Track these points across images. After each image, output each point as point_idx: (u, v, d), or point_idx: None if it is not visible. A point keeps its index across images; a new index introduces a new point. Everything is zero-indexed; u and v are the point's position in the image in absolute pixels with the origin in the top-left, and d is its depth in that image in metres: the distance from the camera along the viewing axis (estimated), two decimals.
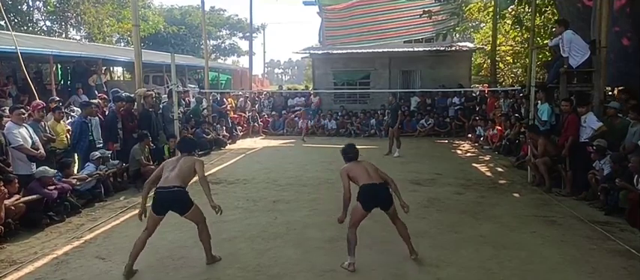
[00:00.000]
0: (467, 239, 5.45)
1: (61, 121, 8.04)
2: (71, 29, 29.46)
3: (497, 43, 18.92)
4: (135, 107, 9.23)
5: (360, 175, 4.61)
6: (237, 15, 46.83)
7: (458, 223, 6.10)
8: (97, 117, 8.21)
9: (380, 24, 14.58)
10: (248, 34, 31.51)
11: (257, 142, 14.93)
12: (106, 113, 9.02)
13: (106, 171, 7.67)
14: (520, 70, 21.79)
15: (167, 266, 4.71)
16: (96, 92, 13.75)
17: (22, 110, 6.68)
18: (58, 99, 9.46)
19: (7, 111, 7.00)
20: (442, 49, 18.44)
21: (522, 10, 15.28)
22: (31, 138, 6.54)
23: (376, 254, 4.98)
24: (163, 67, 20.77)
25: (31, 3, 27.49)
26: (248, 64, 26.57)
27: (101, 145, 8.04)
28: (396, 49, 18.41)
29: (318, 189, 8.04)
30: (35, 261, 4.85)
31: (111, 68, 24.45)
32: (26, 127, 6.57)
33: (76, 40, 27.41)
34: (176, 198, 4.45)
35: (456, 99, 16.86)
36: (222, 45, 44.44)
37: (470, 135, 14.92)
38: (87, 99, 10.54)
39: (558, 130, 8.42)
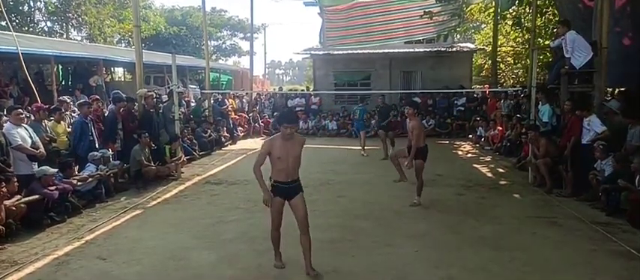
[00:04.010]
0: (467, 240, 5.45)
1: (62, 122, 8.07)
2: (72, 30, 29.47)
3: (498, 43, 18.93)
4: (136, 107, 9.23)
5: None
6: (237, 16, 46.90)
7: (458, 224, 6.09)
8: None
9: (381, 25, 14.55)
10: (249, 35, 31.52)
11: (258, 143, 14.91)
12: (106, 114, 9.03)
13: (107, 171, 7.67)
14: (521, 70, 21.80)
15: (168, 267, 4.71)
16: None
17: (20, 110, 6.70)
18: (67, 100, 9.41)
19: (5, 112, 7.01)
20: (443, 49, 18.44)
21: (523, 11, 15.28)
22: (31, 138, 6.55)
23: (378, 256, 4.99)
24: (164, 67, 20.76)
25: (32, 4, 27.50)
26: (249, 64, 26.55)
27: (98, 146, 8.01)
28: (397, 50, 18.40)
29: (319, 191, 8.03)
30: (36, 262, 4.85)
31: (112, 69, 24.49)
32: (26, 128, 6.59)
33: (77, 40, 27.43)
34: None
35: (457, 101, 16.86)
36: (223, 45, 44.41)
37: (471, 136, 14.91)
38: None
39: (559, 131, 8.43)
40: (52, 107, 8.08)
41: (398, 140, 11.74)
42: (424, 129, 7.14)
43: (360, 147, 12.39)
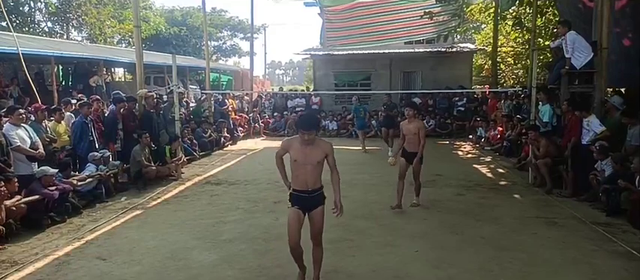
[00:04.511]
0: (468, 241, 5.45)
1: (62, 122, 8.07)
2: (72, 30, 29.54)
3: (499, 44, 18.92)
4: (136, 107, 9.23)
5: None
6: (238, 16, 46.95)
7: (459, 224, 6.09)
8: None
9: (381, 25, 14.57)
10: (249, 35, 31.54)
11: (258, 143, 14.93)
12: (106, 114, 9.03)
13: (107, 171, 7.68)
14: (521, 71, 21.79)
15: (168, 267, 4.71)
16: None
17: (20, 110, 6.71)
18: (75, 101, 9.43)
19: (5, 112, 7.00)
20: (443, 50, 18.44)
21: (523, 11, 15.29)
22: (31, 138, 6.55)
23: (378, 256, 4.99)
24: (165, 67, 20.81)
25: (32, 4, 27.56)
26: (249, 65, 26.59)
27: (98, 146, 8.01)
28: (397, 50, 18.40)
29: None
30: (36, 262, 4.85)
31: (112, 69, 24.51)
32: (25, 128, 6.59)
33: (77, 41, 27.45)
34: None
35: (457, 101, 16.86)
36: (224, 46, 44.49)
37: (471, 136, 14.90)
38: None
39: (559, 132, 8.42)
40: (52, 107, 8.08)
41: (396, 140, 11.75)
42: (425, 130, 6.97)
43: (361, 147, 12.47)
